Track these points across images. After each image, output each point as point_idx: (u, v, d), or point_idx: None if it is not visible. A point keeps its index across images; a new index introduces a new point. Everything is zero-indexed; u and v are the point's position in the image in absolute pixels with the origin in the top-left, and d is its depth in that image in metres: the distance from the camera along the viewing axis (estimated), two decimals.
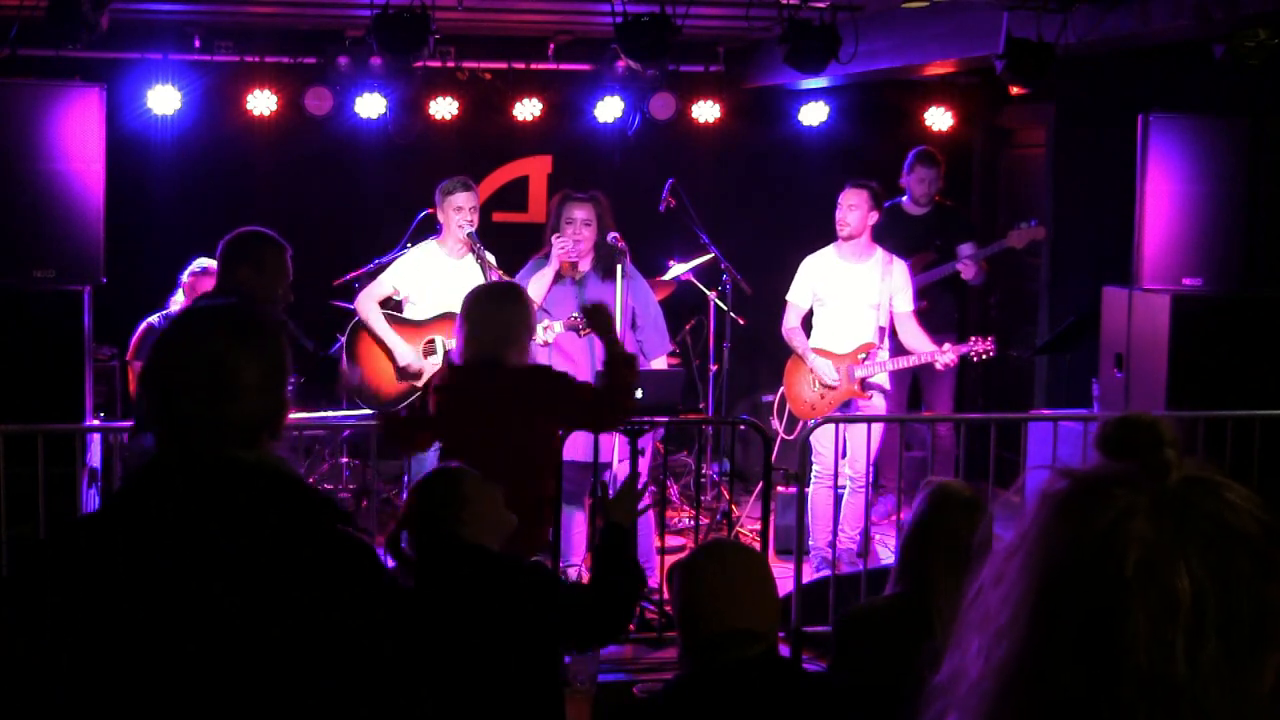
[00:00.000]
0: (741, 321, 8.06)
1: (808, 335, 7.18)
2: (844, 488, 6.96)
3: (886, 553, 7.04)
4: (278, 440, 2.15)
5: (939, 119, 9.43)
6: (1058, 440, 6.34)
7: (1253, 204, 6.80)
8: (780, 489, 7.37)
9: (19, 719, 2.00)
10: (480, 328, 4.84)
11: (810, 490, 6.99)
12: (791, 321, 7.15)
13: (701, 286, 7.99)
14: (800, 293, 7.13)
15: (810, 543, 6.92)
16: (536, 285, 6.78)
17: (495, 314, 4.87)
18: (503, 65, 8.80)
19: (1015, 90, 7.61)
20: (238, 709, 1.98)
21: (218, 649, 1.98)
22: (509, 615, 3.60)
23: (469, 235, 6.58)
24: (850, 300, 7.03)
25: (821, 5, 6.32)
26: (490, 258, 6.63)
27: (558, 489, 5.32)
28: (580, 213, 6.69)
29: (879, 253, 7.06)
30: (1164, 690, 1.25)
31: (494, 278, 6.59)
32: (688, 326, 8.59)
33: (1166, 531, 1.28)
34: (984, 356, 7.02)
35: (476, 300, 4.95)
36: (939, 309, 7.90)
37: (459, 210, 6.60)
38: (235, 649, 1.98)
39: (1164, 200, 6.70)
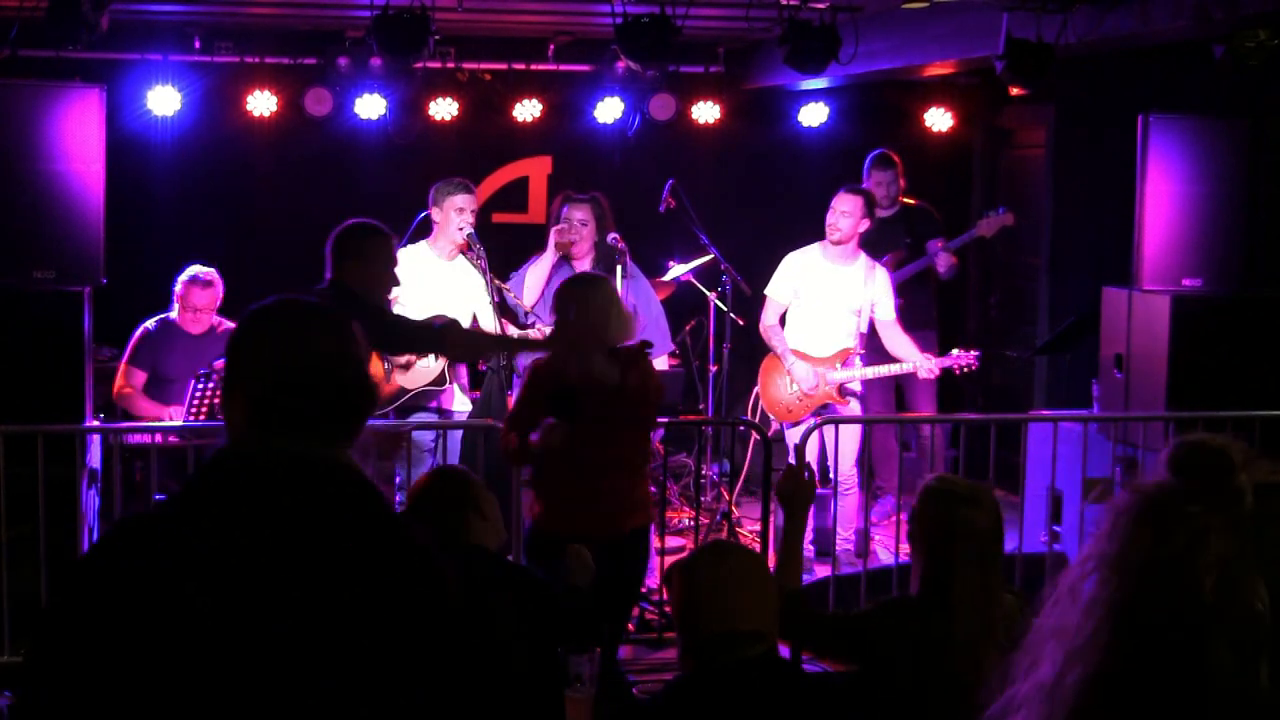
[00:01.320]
0: (741, 322, 8.05)
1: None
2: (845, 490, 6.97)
3: (886, 553, 7.04)
4: (353, 441, 2.15)
5: (939, 119, 9.43)
6: (1058, 440, 6.34)
7: (1253, 204, 6.80)
8: None
9: (86, 706, 1.98)
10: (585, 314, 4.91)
11: None
12: (770, 319, 7.13)
13: (701, 287, 7.99)
14: (781, 288, 7.10)
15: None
16: (534, 276, 6.80)
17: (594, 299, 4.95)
18: (503, 66, 8.80)
19: (1015, 91, 7.60)
20: (285, 697, 1.98)
21: (272, 638, 1.97)
22: (510, 616, 3.62)
23: (469, 236, 6.57)
24: (831, 302, 7.02)
25: (821, 6, 6.32)
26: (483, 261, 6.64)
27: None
28: (578, 213, 6.71)
29: (863, 258, 7.06)
30: (1248, 705, 1.25)
31: (488, 281, 6.60)
32: (688, 327, 8.59)
33: (1243, 549, 1.26)
34: (966, 370, 7.03)
35: (572, 288, 5.03)
36: (914, 306, 7.91)
37: (460, 211, 6.59)
38: (290, 639, 1.98)
39: (1164, 200, 6.70)
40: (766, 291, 7.16)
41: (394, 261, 5.16)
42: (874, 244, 7.69)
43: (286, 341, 2.13)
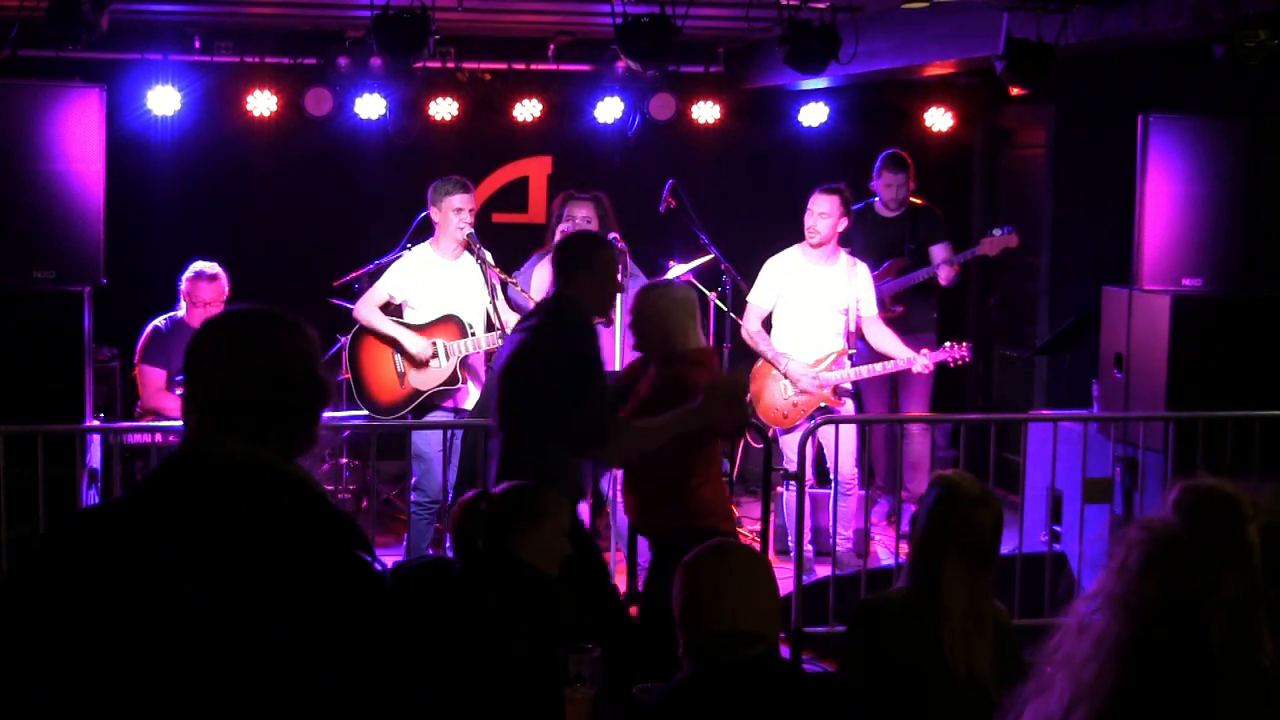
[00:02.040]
0: (741, 322, 8.05)
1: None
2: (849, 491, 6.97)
3: (886, 553, 7.05)
4: (306, 448, 2.17)
5: (939, 119, 9.43)
6: (1058, 440, 6.33)
7: (1253, 204, 6.80)
8: (780, 489, 7.37)
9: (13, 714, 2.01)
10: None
11: (786, 494, 7.02)
12: (753, 325, 7.10)
13: (701, 287, 7.97)
14: (763, 294, 7.08)
15: (790, 542, 6.92)
16: (539, 276, 6.80)
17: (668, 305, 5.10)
18: (503, 66, 8.80)
19: (1015, 91, 7.59)
20: (211, 707, 1.99)
21: (198, 644, 1.99)
22: (511, 615, 3.63)
23: (469, 235, 6.58)
24: (817, 302, 7.01)
25: (821, 6, 6.32)
26: (488, 256, 6.64)
27: None
28: (582, 211, 6.72)
29: (844, 256, 7.06)
30: None
31: (493, 277, 6.60)
32: None
33: (1251, 598, 1.25)
34: (960, 363, 7.03)
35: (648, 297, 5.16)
36: (916, 312, 7.91)
37: (459, 211, 6.60)
38: (216, 646, 1.99)
39: (1164, 200, 6.70)
40: (748, 298, 7.14)
41: (618, 272, 5.19)
42: (876, 245, 7.69)
43: (234, 348, 2.17)
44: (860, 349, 7.21)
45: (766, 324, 7.14)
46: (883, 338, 7.09)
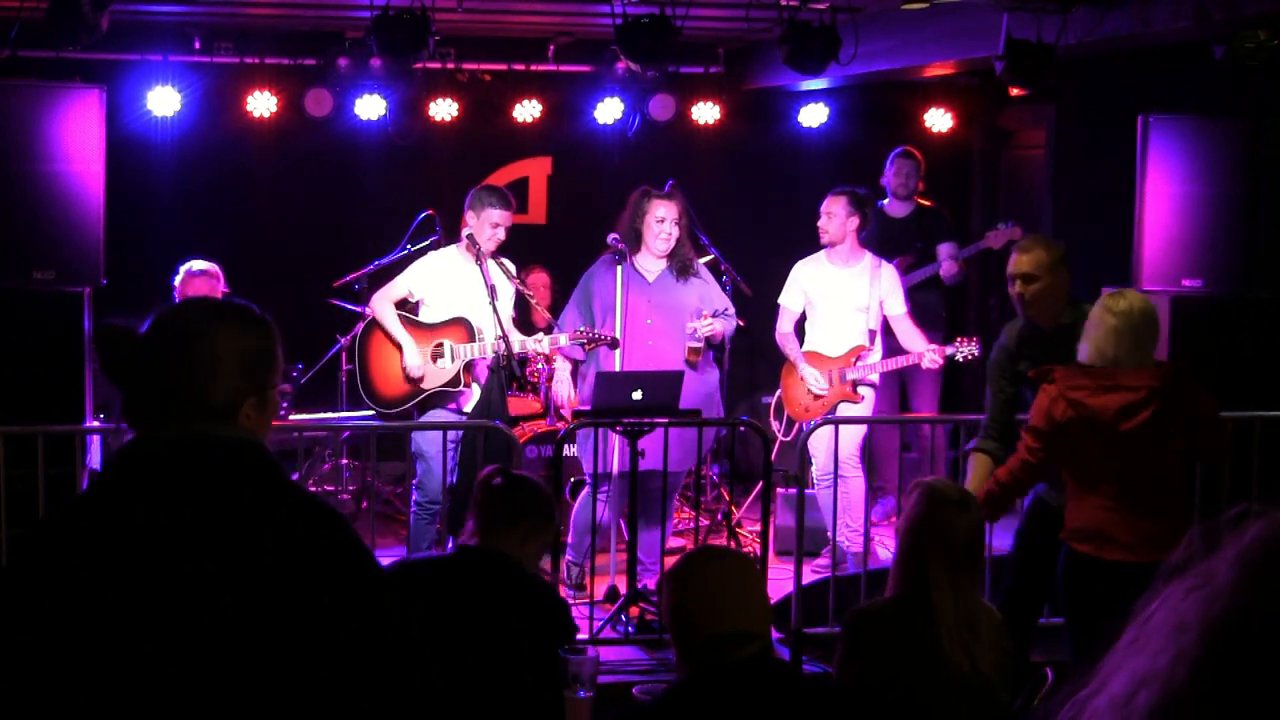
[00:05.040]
0: (741, 323, 8.04)
1: (801, 338, 7.24)
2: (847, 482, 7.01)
3: (886, 553, 7.04)
4: (262, 427, 2.19)
5: (939, 120, 9.44)
6: None
7: (1253, 204, 6.80)
8: (780, 490, 7.37)
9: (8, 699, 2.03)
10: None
11: (816, 492, 7.08)
12: (784, 326, 7.24)
13: None
14: (791, 297, 7.24)
15: (829, 534, 6.94)
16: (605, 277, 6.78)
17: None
18: (503, 67, 8.81)
19: (1015, 91, 7.60)
20: (219, 685, 2.00)
21: (198, 625, 2.00)
22: (512, 615, 3.65)
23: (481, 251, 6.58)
24: (839, 304, 7.10)
25: (821, 6, 6.32)
26: (511, 267, 6.67)
27: None
28: (671, 211, 6.63)
29: (867, 257, 7.12)
30: None
31: (489, 286, 6.59)
32: None
33: None
34: (969, 358, 7.06)
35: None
36: (923, 309, 7.93)
37: (496, 226, 6.60)
38: (214, 625, 2.00)
39: (1164, 201, 6.70)
40: (779, 301, 7.26)
41: None
42: (885, 244, 7.71)
43: (166, 330, 2.19)
44: (887, 347, 7.25)
45: (800, 322, 7.24)
46: (909, 337, 7.14)
